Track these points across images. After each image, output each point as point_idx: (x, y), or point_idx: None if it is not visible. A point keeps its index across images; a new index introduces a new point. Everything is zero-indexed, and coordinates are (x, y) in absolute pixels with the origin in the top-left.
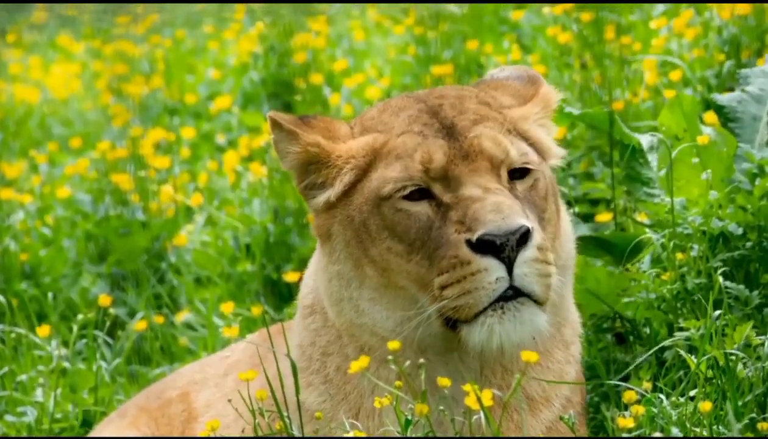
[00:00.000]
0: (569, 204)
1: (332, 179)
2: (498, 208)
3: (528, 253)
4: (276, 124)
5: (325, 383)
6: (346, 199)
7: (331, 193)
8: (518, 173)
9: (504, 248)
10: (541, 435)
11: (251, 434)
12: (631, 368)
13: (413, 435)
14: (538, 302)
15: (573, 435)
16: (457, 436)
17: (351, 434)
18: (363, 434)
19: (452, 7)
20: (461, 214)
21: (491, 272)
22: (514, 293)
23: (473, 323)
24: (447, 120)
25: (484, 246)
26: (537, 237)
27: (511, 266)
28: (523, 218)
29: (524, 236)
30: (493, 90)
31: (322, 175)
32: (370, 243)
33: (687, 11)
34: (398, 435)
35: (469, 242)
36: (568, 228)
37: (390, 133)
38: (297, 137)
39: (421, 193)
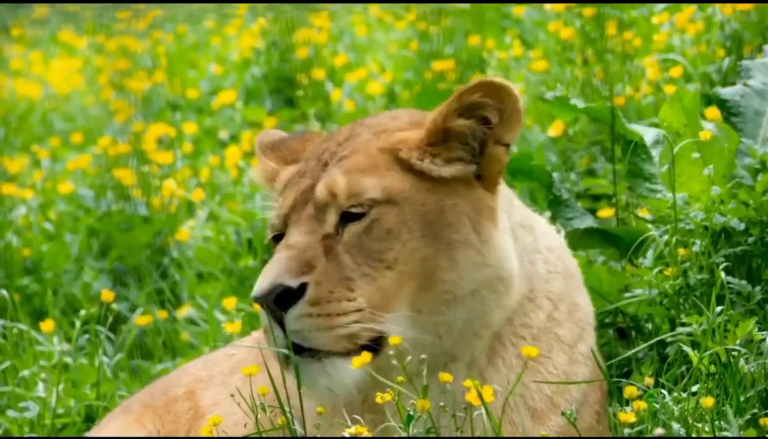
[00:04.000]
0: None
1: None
2: (269, 268)
3: (296, 310)
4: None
5: None
6: None
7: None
8: (359, 214)
9: (267, 308)
10: (545, 434)
11: (253, 430)
12: (633, 363)
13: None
14: (334, 353)
15: (577, 434)
16: (454, 437)
17: (353, 430)
18: (365, 430)
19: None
20: None
21: (272, 330)
22: (304, 347)
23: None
24: (329, 157)
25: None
26: (312, 292)
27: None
28: (288, 277)
29: (283, 296)
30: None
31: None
32: None
33: (689, 7)
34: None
35: None
36: (475, 257)
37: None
38: (258, 161)
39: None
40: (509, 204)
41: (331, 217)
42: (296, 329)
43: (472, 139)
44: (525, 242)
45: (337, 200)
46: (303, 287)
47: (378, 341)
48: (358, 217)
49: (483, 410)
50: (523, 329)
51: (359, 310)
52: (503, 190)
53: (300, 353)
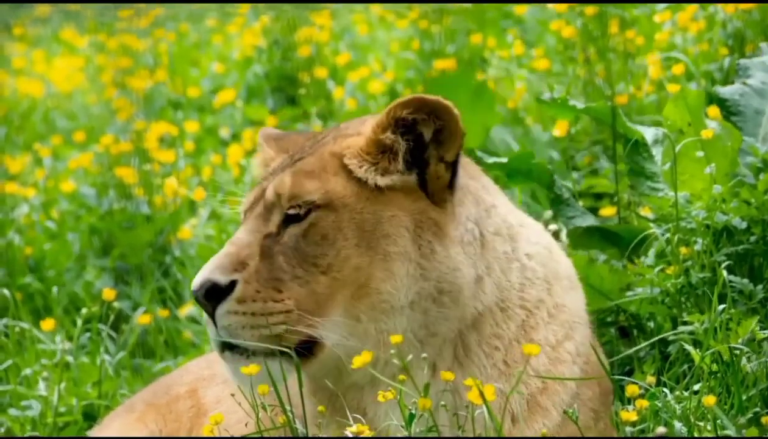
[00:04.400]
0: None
1: None
2: (207, 263)
3: (224, 306)
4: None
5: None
6: None
7: None
8: (299, 216)
9: (200, 303)
10: (545, 433)
11: (254, 429)
12: (635, 362)
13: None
14: (262, 352)
15: (575, 433)
16: (450, 437)
17: (355, 428)
18: (366, 428)
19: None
20: None
21: (208, 325)
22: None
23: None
24: (299, 157)
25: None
26: (239, 290)
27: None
28: (219, 274)
29: (212, 292)
30: None
31: None
32: None
33: (691, 5)
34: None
35: None
36: (413, 270)
37: None
38: (260, 150)
39: None
40: (484, 214)
41: (276, 218)
42: (224, 325)
43: (404, 153)
44: (499, 252)
45: (281, 201)
46: (233, 285)
47: (310, 346)
48: (299, 219)
49: (483, 411)
50: (495, 338)
51: (286, 311)
52: (479, 199)
53: (231, 350)
